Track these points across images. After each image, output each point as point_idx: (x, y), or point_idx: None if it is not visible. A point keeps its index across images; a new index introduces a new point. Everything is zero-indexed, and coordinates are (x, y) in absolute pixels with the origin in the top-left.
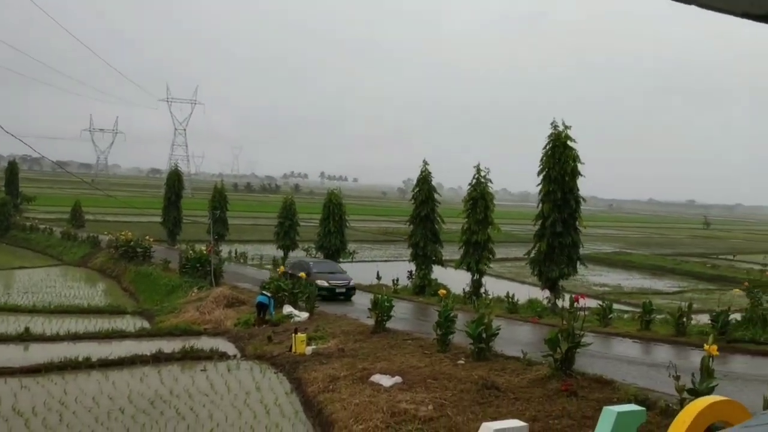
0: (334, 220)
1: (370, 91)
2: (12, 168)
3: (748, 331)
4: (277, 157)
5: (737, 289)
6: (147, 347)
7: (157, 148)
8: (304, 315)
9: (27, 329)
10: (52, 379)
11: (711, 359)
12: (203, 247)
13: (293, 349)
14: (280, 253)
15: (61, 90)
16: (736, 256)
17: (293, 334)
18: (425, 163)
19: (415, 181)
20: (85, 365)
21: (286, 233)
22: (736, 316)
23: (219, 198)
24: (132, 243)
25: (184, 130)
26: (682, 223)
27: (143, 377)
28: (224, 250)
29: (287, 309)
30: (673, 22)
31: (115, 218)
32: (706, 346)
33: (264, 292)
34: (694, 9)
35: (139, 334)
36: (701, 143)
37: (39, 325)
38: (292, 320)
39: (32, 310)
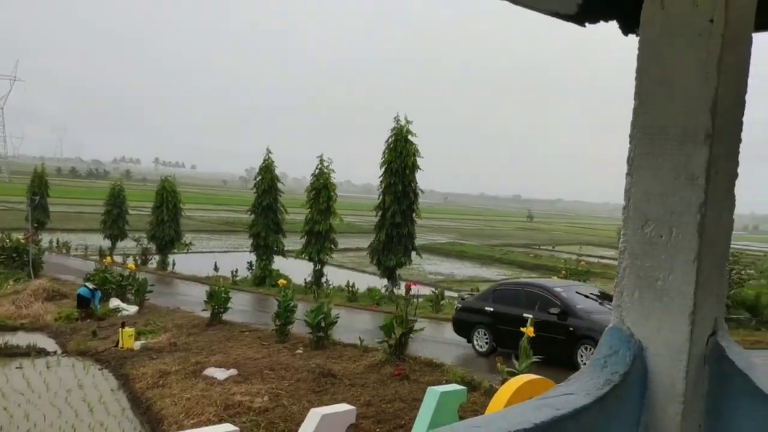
0: (168, 209)
1: (215, 76)
2: None
3: None
4: (106, 141)
5: (556, 277)
6: None
7: None
8: (133, 308)
9: None
10: None
11: (529, 341)
12: (20, 236)
13: (120, 345)
14: (107, 243)
15: None
16: (556, 246)
17: (120, 329)
18: (268, 151)
19: (257, 170)
20: None
21: (114, 222)
22: None
23: (39, 183)
24: None
25: (1, 108)
26: (509, 216)
27: None
28: (45, 239)
29: (114, 302)
30: (515, 34)
31: None
32: (523, 329)
33: (86, 284)
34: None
35: None
36: (527, 141)
37: None
38: (119, 314)
39: None
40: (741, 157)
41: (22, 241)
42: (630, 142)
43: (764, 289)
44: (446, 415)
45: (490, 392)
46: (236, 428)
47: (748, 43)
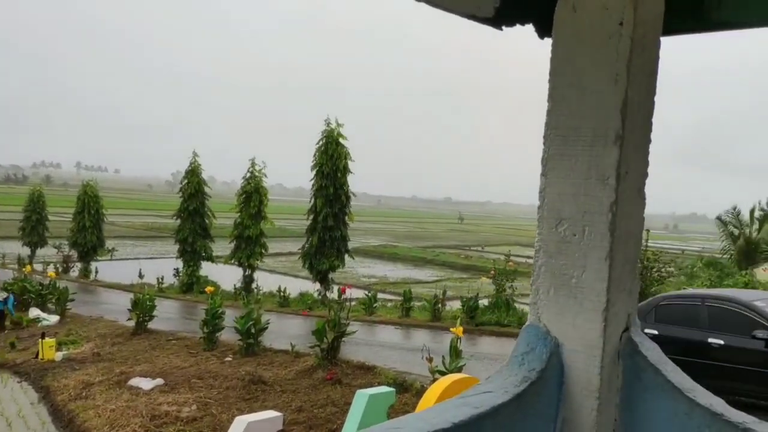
0: (90, 214)
1: (139, 76)
2: None
3: (494, 315)
4: (24, 145)
5: (485, 277)
6: None
7: None
8: (54, 318)
9: None
10: None
11: (459, 340)
12: None
13: (40, 356)
14: (26, 251)
15: None
16: (485, 247)
17: (40, 339)
18: (195, 155)
19: (183, 174)
20: None
21: (34, 228)
22: (484, 302)
23: None
24: None
25: None
26: (441, 218)
27: None
28: None
29: (34, 312)
30: (436, 32)
31: None
32: (452, 329)
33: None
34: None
35: None
36: (457, 145)
37: None
38: (39, 324)
39: None
40: (662, 160)
41: None
42: (544, 144)
43: (683, 285)
44: (375, 417)
45: (421, 393)
46: None
47: (657, 45)
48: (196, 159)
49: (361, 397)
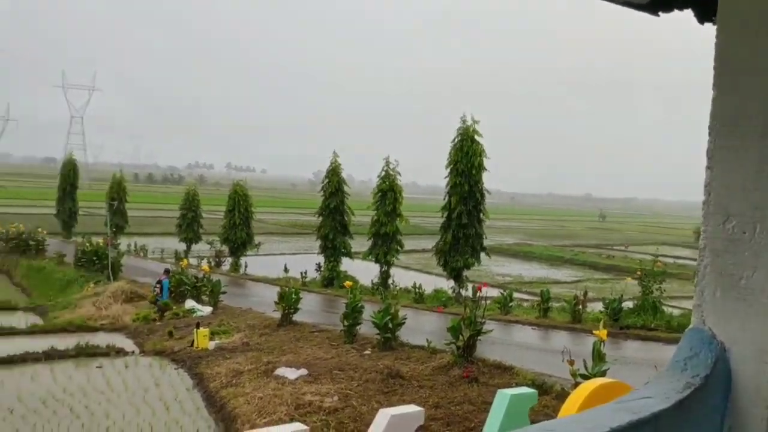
0: (240, 212)
1: (282, 81)
2: None
3: (640, 318)
4: (181, 147)
5: (630, 278)
6: (39, 344)
7: (52, 136)
8: (208, 309)
9: None
10: None
11: (602, 344)
12: (101, 240)
13: (195, 345)
14: (182, 246)
15: None
16: (630, 247)
17: (195, 329)
18: (335, 154)
19: (325, 173)
20: None
21: (189, 225)
22: (628, 304)
23: (118, 189)
24: (23, 235)
25: (81, 117)
26: (580, 216)
27: (34, 376)
28: (123, 243)
29: (189, 303)
30: (579, 22)
31: (4, 210)
32: (596, 332)
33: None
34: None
35: (31, 331)
36: (598, 140)
37: None
38: (194, 315)
39: None
40: None
41: (102, 245)
42: (709, 134)
43: None
44: (517, 418)
45: (562, 396)
46: (306, 427)
47: None
48: (336, 159)
49: (503, 396)
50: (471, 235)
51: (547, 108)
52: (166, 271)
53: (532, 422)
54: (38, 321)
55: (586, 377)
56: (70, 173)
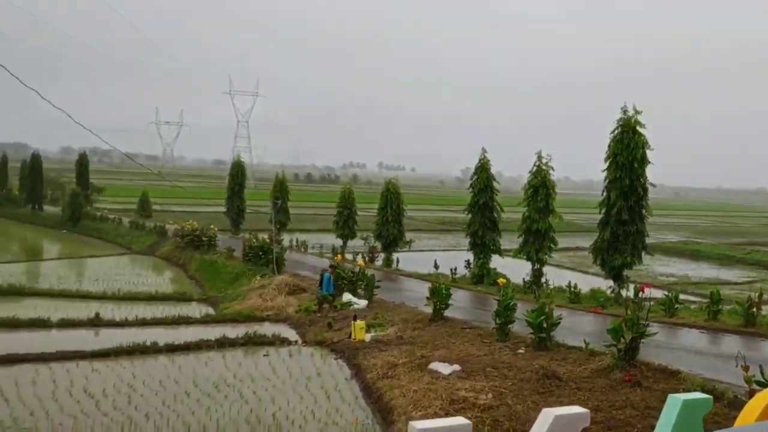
0: (392, 210)
1: (427, 79)
2: (82, 160)
3: None
4: (336, 148)
5: None
6: (212, 333)
7: (221, 139)
8: (363, 303)
9: (97, 315)
10: (121, 363)
11: None
12: (265, 236)
13: (352, 336)
14: (339, 242)
15: (128, 84)
16: None
17: (352, 321)
18: (484, 151)
19: (473, 170)
20: (153, 350)
21: (345, 222)
22: None
23: (280, 188)
24: (197, 232)
25: (247, 122)
26: (753, 212)
27: (208, 362)
28: (285, 238)
29: (346, 296)
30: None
31: (181, 208)
32: None
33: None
34: None
35: (205, 320)
36: None
37: (109, 311)
38: (351, 307)
39: (102, 297)
40: None
41: (267, 240)
42: None
43: None
44: (690, 425)
45: (735, 404)
46: (468, 422)
47: None
48: (485, 155)
49: (674, 401)
50: (632, 233)
51: (715, 97)
52: (332, 267)
53: None
54: (210, 311)
55: (763, 384)
56: (237, 174)
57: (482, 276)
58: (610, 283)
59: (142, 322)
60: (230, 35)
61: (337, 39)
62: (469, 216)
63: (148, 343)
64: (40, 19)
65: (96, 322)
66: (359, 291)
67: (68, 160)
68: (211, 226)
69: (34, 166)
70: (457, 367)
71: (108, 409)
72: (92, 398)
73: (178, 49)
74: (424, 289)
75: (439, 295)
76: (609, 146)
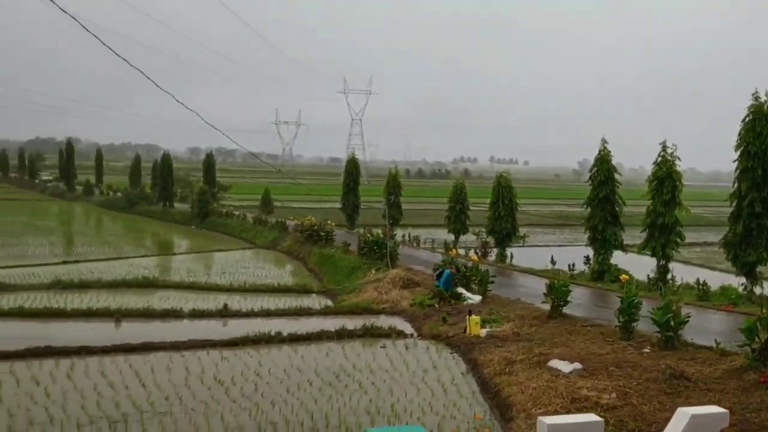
0: (504, 204)
1: (540, 71)
2: (209, 160)
3: None
4: (446, 143)
5: None
6: (331, 324)
7: (336, 137)
8: (477, 297)
9: (225, 306)
10: (247, 351)
11: None
12: (380, 231)
13: (467, 331)
14: (451, 237)
15: (250, 86)
16: None
17: (467, 316)
18: (604, 141)
19: (592, 162)
20: (277, 339)
21: (457, 217)
22: None
23: (393, 184)
24: (315, 227)
25: (360, 119)
26: None
27: (328, 352)
28: (398, 233)
29: (460, 291)
30: None
31: (300, 204)
32: None
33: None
34: None
35: (324, 312)
36: None
37: (235, 302)
38: (465, 302)
39: (229, 289)
40: None
41: (381, 235)
42: None
43: None
44: None
45: None
46: (600, 419)
47: None
48: (605, 146)
49: None
50: (766, 226)
51: None
52: (452, 266)
53: None
54: (329, 303)
55: None
56: (352, 171)
57: (602, 272)
58: (742, 280)
59: (267, 313)
60: (345, 34)
61: (450, 30)
62: (588, 210)
63: (272, 333)
64: (176, 30)
65: (224, 313)
66: (473, 286)
67: (196, 159)
68: (328, 222)
69: (164, 165)
70: (578, 365)
71: (236, 395)
72: (222, 385)
73: (298, 50)
74: (540, 285)
75: (558, 292)
76: (740, 135)
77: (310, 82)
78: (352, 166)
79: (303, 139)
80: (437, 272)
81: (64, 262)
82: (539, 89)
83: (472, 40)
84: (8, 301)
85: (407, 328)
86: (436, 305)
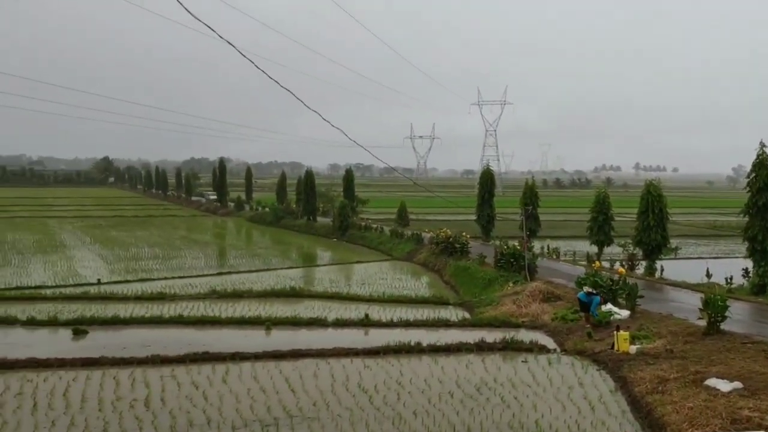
0: (654, 213)
1: (684, 73)
2: (348, 175)
3: None
4: (586, 151)
5: None
6: (470, 336)
7: (469, 149)
8: (625, 313)
9: (366, 316)
10: (389, 360)
11: None
12: (516, 243)
13: (615, 347)
14: (593, 249)
15: (385, 102)
16: None
17: (615, 332)
18: (762, 145)
19: (748, 168)
20: (417, 350)
21: (600, 228)
22: None
23: (530, 195)
24: (450, 239)
25: (495, 130)
26: None
27: (468, 364)
28: (536, 245)
29: (606, 306)
30: None
31: (435, 217)
32: None
33: (586, 288)
34: None
35: (462, 324)
36: None
37: (375, 312)
38: (612, 318)
39: (369, 299)
40: None
41: (518, 247)
42: None
43: None
44: None
45: None
46: None
47: None
48: (764, 150)
49: None
50: None
51: None
52: (598, 294)
53: None
54: (466, 315)
55: None
56: (487, 182)
57: (764, 286)
58: None
59: (406, 324)
60: (479, 44)
61: (585, 36)
62: (747, 219)
63: (412, 344)
64: (321, 53)
65: (365, 322)
66: (620, 300)
67: (336, 175)
68: (463, 234)
69: (307, 182)
70: (738, 384)
71: (379, 403)
72: (365, 393)
73: (431, 64)
74: (693, 299)
75: (714, 307)
76: None
77: (445, 96)
78: (487, 178)
79: (437, 152)
80: (583, 289)
81: (218, 273)
82: (687, 92)
83: (612, 41)
84: (169, 309)
85: (549, 342)
86: (582, 321)
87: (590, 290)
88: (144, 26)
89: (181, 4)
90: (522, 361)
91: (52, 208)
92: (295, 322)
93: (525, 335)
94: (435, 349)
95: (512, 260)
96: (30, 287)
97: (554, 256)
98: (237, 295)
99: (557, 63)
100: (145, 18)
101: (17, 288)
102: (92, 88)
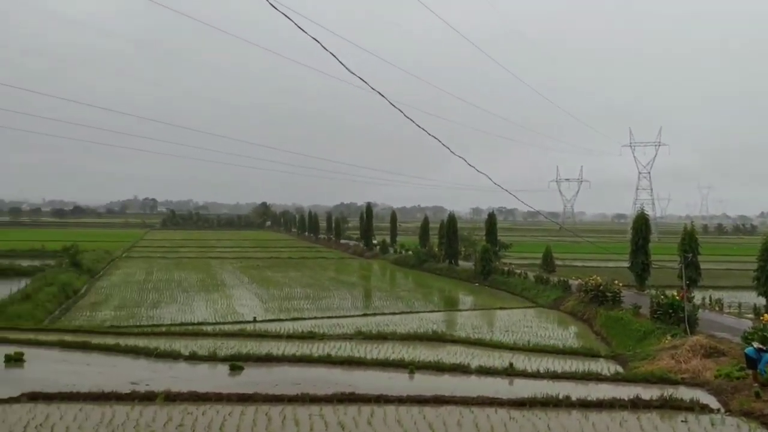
0: None
1: None
2: (491, 219)
3: None
4: (751, 195)
5: None
6: (623, 392)
7: (620, 193)
8: None
9: (511, 365)
10: (535, 413)
11: None
12: (674, 293)
13: None
14: (761, 301)
15: (530, 146)
16: None
17: None
18: None
19: None
20: (565, 404)
21: None
22: None
23: (689, 241)
24: (601, 287)
25: (648, 173)
26: None
27: (622, 422)
28: (697, 296)
29: None
30: None
31: (583, 263)
32: None
33: (753, 343)
34: None
35: (615, 378)
36: None
37: (520, 361)
38: None
39: (513, 347)
40: None
41: (677, 297)
42: None
43: None
44: None
45: None
46: None
47: None
48: None
49: None
50: None
51: None
52: (746, 339)
53: None
54: (619, 369)
55: None
56: (641, 227)
57: None
58: None
59: (554, 375)
60: (628, 82)
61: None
62: None
63: (560, 397)
64: (464, 98)
65: (510, 372)
66: None
67: (478, 219)
68: (615, 281)
69: (450, 225)
70: None
71: None
72: None
73: (575, 105)
74: None
75: None
76: None
77: (593, 137)
78: (641, 222)
79: (585, 195)
80: (752, 344)
81: (364, 315)
82: None
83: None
84: (318, 348)
85: (712, 401)
86: (749, 379)
87: (760, 346)
88: (308, 85)
89: (339, 61)
90: (681, 421)
91: (215, 249)
92: (437, 367)
93: (685, 393)
94: (585, 404)
95: (670, 311)
96: (193, 323)
97: (717, 308)
98: (381, 337)
99: (715, 102)
100: (308, 76)
101: (181, 324)
102: (254, 139)
